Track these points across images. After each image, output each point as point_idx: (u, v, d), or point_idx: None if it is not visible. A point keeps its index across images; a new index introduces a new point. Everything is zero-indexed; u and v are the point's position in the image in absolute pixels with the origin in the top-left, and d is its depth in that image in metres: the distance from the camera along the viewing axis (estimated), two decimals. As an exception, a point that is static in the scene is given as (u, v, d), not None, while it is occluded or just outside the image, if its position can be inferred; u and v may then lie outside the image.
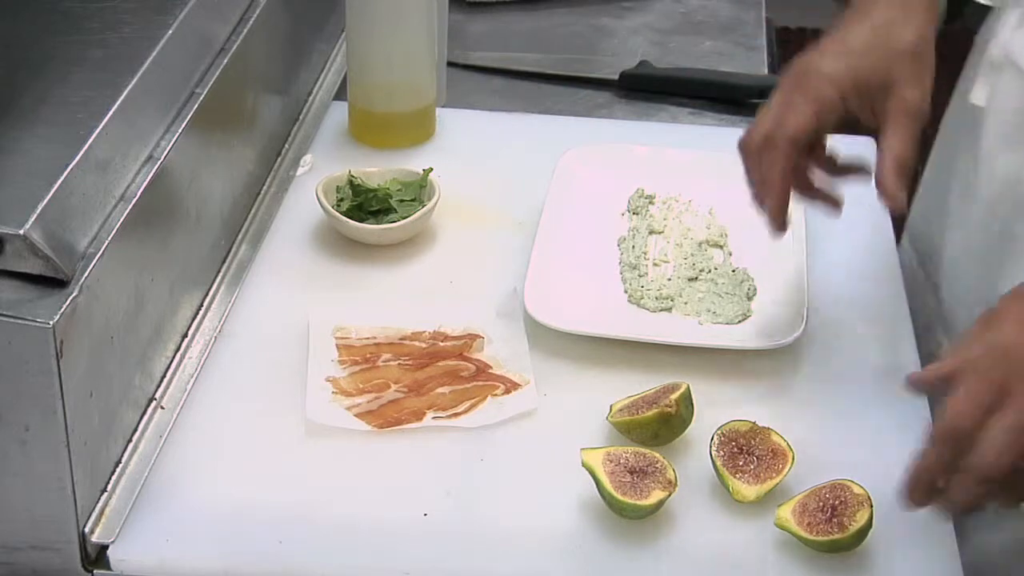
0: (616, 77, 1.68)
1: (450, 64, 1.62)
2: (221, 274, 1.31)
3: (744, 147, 1.16)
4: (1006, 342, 0.95)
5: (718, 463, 1.09)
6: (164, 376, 1.18)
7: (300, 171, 1.46)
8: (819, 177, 1.19)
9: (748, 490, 1.08)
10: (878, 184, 1.11)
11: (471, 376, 1.20)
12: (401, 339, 1.24)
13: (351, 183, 1.37)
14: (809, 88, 1.13)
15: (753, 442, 1.10)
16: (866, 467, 1.11)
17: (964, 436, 0.94)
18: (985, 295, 1.12)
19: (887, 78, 1.12)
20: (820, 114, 1.12)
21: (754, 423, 1.11)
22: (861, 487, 1.06)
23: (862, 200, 1.29)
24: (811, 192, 1.19)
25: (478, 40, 1.78)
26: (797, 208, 1.38)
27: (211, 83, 1.24)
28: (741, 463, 1.09)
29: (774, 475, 1.08)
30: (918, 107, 1.12)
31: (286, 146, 1.50)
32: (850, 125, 1.17)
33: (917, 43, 1.13)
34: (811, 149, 1.16)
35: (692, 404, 1.14)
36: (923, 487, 0.97)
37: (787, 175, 1.13)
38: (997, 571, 1.20)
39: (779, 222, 1.15)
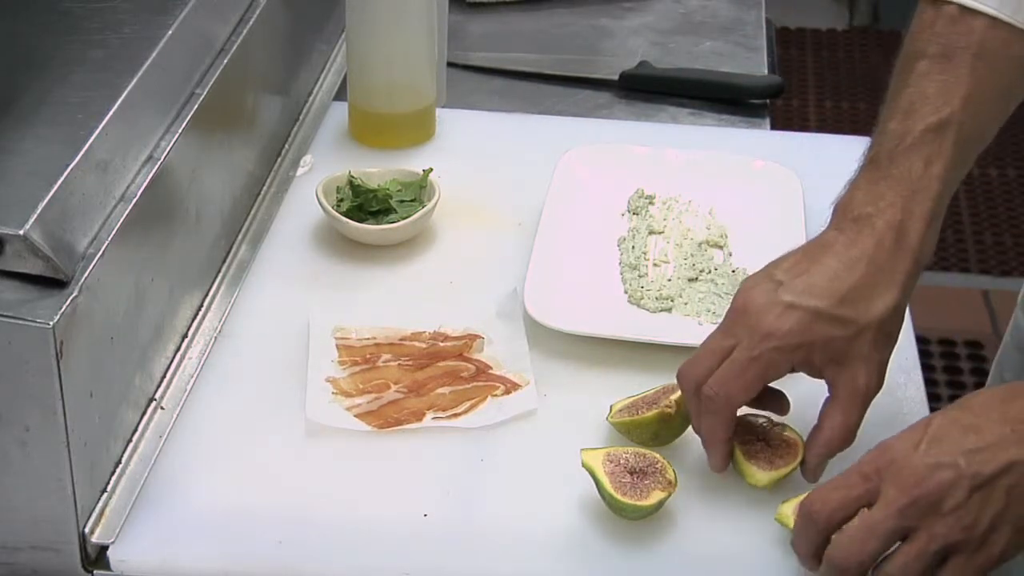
0: (616, 77, 1.68)
1: (450, 64, 1.62)
2: (221, 274, 1.31)
3: (684, 386, 1.08)
4: (896, 451, 0.97)
5: (735, 447, 1.09)
6: (164, 376, 1.18)
7: (300, 171, 1.46)
8: None
9: (762, 475, 1.08)
10: (805, 456, 1.08)
11: (471, 376, 1.20)
12: (401, 339, 1.24)
13: (351, 183, 1.37)
14: (760, 351, 1.04)
15: (769, 433, 1.10)
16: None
17: (821, 521, 0.97)
18: None
19: (843, 352, 1.05)
20: (765, 378, 1.06)
21: (768, 418, 1.11)
22: None
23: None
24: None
25: (478, 40, 1.78)
26: (797, 209, 1.39)
27: (211, 83, 1.24)
28: (756, 450, 1.09)
29: (788, 463, 1.09)
30: (869, 392, 1.06)
31: (286, 146, 1.50)
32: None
33: (886, 315, 1.05)
34: None
35: (692, 404, 1.14)
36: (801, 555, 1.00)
37: (727, 436, 1.07)
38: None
39: (720, 469, 1.09)
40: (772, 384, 1.09)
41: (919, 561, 0.94)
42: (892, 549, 0.96)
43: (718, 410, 1.06)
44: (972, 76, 1.07)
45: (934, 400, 2.72)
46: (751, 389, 1.06)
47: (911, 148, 1.07)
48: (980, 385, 2.82)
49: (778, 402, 1.11)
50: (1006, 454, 0.94)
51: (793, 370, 1.07)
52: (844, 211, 1.08)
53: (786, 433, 1.11)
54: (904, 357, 1.24)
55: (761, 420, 1.11)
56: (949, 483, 0.93)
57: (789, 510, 1.04)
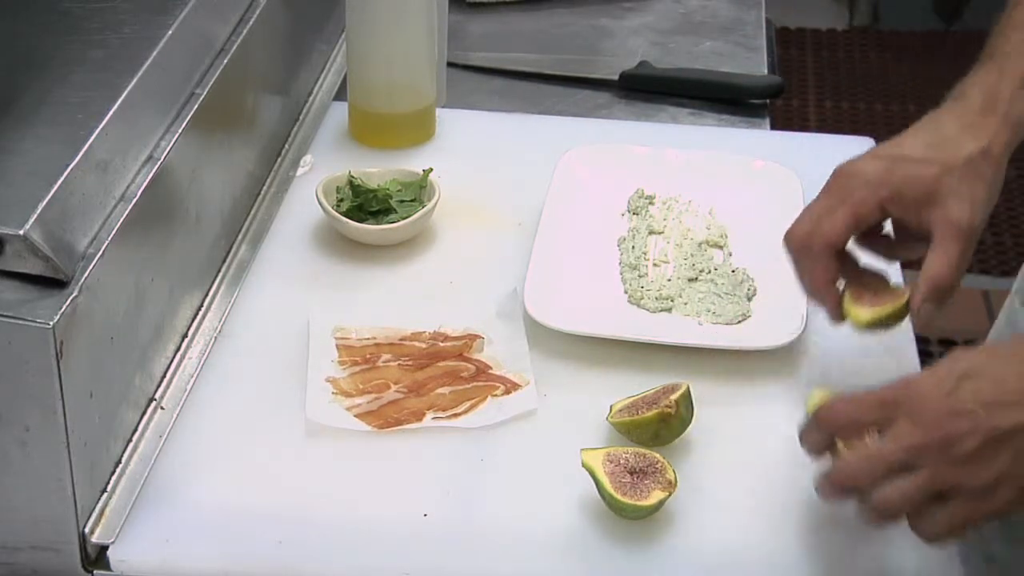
0: (616, 77, 1.68)
1: (450, 64, 1.62)
2: (221, 274, 1.31)
3: (787, 245, 1.14)
4: (919, 387, 0.98)
5: (845, 291, 1.12)
6: (164, 376, 1.18)
7: (300, 171, 1.46)
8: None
9: (864, 312, 1.11)
10: (911, 299, 1.10)
11: (471, 376, 1.20)
12: (401, 339, 1.24)
13: (351, 183, 1.37)
14: (848, 192, 1.10)
15: (877, 283, 1.14)
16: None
17: (826, 429, 1.01)
18: None
19: (932, 190, 1.08)
20: (857, 220, 1.11)
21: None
22: None
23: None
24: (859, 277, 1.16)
25: (478, 40, 1.78)
26: (797, 209, 1.38)
27: (211, 83, 1.24)
28: (861, 294, 1.12)
29: (892, 303, 1.11)
30: (964, 225, 1.07)
31: (286, 146, 1.50)
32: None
33: (973, 156, 1.08)
34: (865, 237, 1.15)
35: (692, 404, 1.14)
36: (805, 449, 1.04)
37: (828, 278, 1.12)
38: None
39: (835, 317, 1.14)
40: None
41: (918, 494, 0.95)
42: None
43: (816, 254, 1.11)
44: None
45: (934, 400, 2.70)
46: (844, 229, 1.10)
47: (1010, 29, 1.13)
48: (980, 385, 2.82)
49: (886, 244, 1.15)
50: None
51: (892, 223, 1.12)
52: (949, 97, 1.14)
53: (893, 284, 1.14)
54: (904, 357, 1.24)
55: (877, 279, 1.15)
56: (965, 432, 0.94)
57: (817, 399, 1.06)
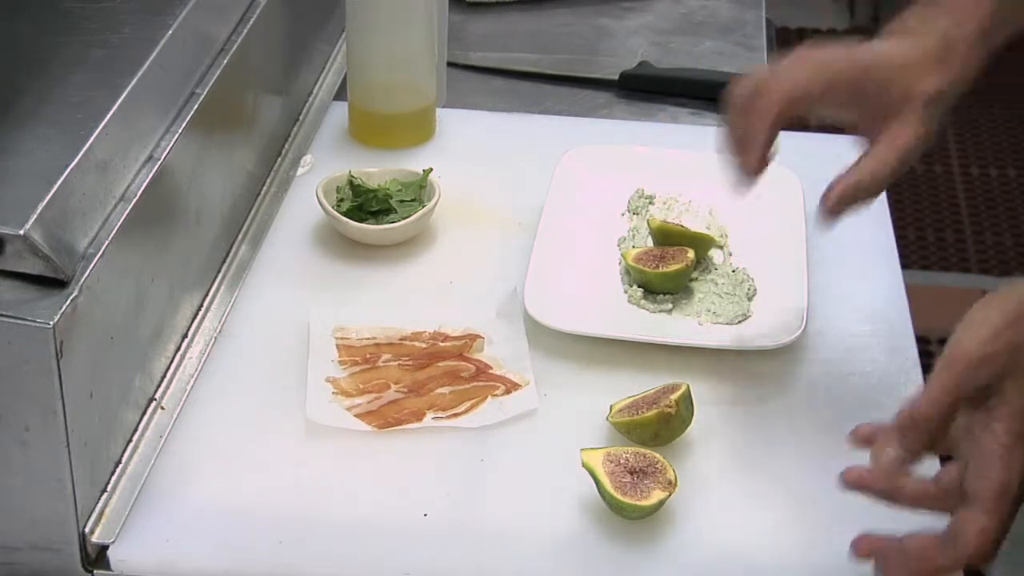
0: (616, 77, 1.68)
1: (450, 64, 1.62)
2: (221, 274, 1.31)
3: (732, 99, 1.09)
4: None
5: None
6: (164, 376, 1.18)
7: (300, 171, 1.46)
8: None
9: (631, 253, 1.29)
10: (826, 191, 1.08)
11: (471, 376, 1.20)
12: (401, 339, 1.24)
13: (351, 183, 1.37)
14: (815, 53, 1.08)
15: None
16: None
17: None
18: None
19: (889, 105, 1.07)
20: (820, 76, 1.09)
21: None
22: None
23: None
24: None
25: (478, 40, 1.78)
26: (797, 209, 1.39)
27: (211, 83, 1.24)
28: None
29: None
30: (909, 147, 1.07)
31: (286, 146, 1.50)
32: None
33: (937, 95, 1.06)
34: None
35: (692, 404, 1.14)
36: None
37: (773, 129, 1.08)
38: None
39: (754, 176, 1.09)
40: None
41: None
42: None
43: (769, 94, 1.07)
44: None
45: (934, 400, 2.69)
46: (807, 81, 1.07)
47: None
48: (980, 385, 2.82)
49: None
50: None
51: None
52: (894, 27, 1.09)
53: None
54: (904, 357, 1.24)
55: None
56: None
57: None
